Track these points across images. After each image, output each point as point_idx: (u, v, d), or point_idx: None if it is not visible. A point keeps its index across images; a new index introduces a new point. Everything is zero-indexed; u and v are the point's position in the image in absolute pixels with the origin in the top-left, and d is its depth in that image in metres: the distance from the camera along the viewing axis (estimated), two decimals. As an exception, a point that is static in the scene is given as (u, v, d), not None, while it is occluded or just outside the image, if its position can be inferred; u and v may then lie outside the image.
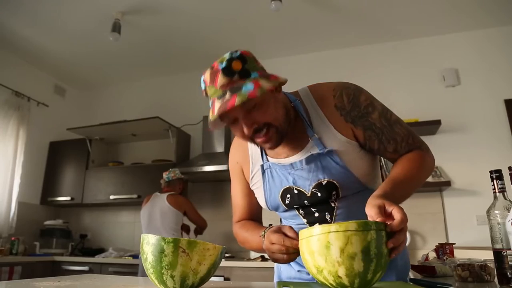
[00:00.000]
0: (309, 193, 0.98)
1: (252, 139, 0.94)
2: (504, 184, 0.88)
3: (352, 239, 0.66)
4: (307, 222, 1.01)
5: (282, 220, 1.14)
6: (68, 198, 4.08)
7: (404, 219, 0.71)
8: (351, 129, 0.97)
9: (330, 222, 0.98)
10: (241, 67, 0.88)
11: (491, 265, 0.95)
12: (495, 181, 0.89)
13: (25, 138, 3.95)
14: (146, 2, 3.19)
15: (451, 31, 3.61)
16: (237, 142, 1.17)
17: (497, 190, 0.88)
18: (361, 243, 0.66)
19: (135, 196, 3.80)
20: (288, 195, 1.01)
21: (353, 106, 0.98)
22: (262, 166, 1.06)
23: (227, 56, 0.89)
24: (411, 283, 0.85)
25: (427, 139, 1.17)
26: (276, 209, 1.07)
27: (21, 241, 3.58)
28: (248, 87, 0.84)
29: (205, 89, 0.92)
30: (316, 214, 0.99)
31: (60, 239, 4.02)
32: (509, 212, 0.83)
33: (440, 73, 3.53)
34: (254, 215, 1.17)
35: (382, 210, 0.73)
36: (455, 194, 3.18)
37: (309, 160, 0.97)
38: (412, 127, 1.04)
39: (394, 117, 0.99)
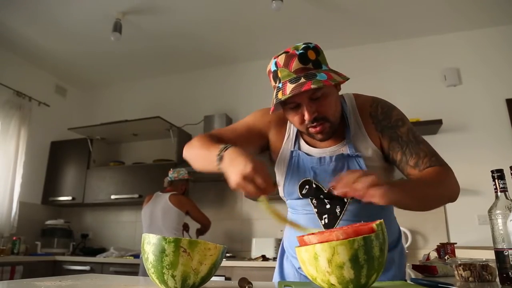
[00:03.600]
0: (326, 189, 1.03)
1: (307, 127, 1.00)
2: (505, 183, 0.88)
3: (338, 249, 0.66)
4: (317, 212, 1.04)
5: (290, 209, 1.16)
6: (69, 198, 4.09)
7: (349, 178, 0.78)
8: (379, 138, 1.04)
9: (339, 216, 1.02)
10: (315, 57, 0.96)
11: (493, 265, 0.95)
12: (496, 180, 0.88)
13: (26, 138, 3.95)
14: (147, 2, 3.19)
15: (452, 31, 3.60)
16: (276, 114, 1.14)
17: (498, 190, 0.88)
18: (348, 252, 0.66)
19: (136, 196, 3.81)
20: (307, 186, 1.05)
21: (385, 117, 1.06)
22: (291, 152, 1.10)
23: (302, 45, 0.97)
24: (412, 282, 0.85)
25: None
26: (289, 195, 1.10)
27: (23, 241, 3.59)
28: (323, 76, 0.91)
29: (276, 71, 0.97)
30: (328, 206, 1.03)
31: (61, 238, 4.03)
32: (510, 211, 0.83)
33: (441, 73, 3.53)
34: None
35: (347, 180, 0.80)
36: (456, 193, 3.17)
37: (338, 158, 1.03)
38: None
39: (421, 137, 1.05)
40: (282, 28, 3.58)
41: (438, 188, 0.93)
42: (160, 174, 3.59)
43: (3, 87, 3.84)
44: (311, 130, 1.00)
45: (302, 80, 0.90)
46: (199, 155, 1.02)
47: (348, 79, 0.97)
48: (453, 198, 0.98)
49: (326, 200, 1.03)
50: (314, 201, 1.05)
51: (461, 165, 3.19)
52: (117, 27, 3.29)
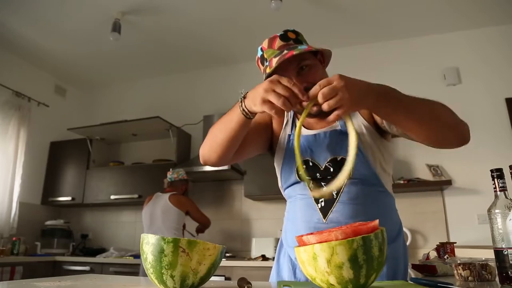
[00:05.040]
0: (323, 167, 1.05)
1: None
2: (505, 182, 0.88)
3: (337, 249, 0.66)
4: (314, 196, 1.05)
5: (287, 200, 1.17)
6: (69, 198, 4.09)
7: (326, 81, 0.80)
8: (370, 114, 1.07)
9: (336, 198, 1.02)
10: (295, 37, 1.05)
11: (492, 264, 0.95)
12: (496, 180, 0.88)
13: (25, 138, 3.95)
14: (147, 2, 3.19)
15: (452, 30, 3.60)
16: None
17: (498, 189, 0.87)
18: (347, 252, 0.66)
19: (136, 196, 3.81)
20: (304, 166, 1.06)
21: None
22: (289, 136, 1.14)
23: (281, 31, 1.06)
24: (411, 282, 0.84)
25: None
26: (287, 180, 1.11)
27: (22, 241, 3.59)
28: (303, 46, 0.99)
29: (262, 55, 1.05)
30: (324, 189, 1.03)
31: (61, 239, 4.02)
32: (510, 211, 0.83)
33: (441, 72, 3.53)
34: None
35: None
36: (456, 193, 3.18)
37: (332, 134, 1.07)
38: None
39: None
40: (282, 28, 3.52)
41: (433, 108, 0.92)
42: (159, 174, 3.59)
43: (2, 87, 3.84)
44: (305, 103, 1.01)
45: (285, 51, 0.97)
46: (221, 124, 1.00)
47: (329, 51, 1.06)
48: (458, 128, 0.98)
49: (323, 183, 1.04)
50: (311, 184, 1.06)
51: (461, 164, 3.20)
52: (116, 27, 3.28)
